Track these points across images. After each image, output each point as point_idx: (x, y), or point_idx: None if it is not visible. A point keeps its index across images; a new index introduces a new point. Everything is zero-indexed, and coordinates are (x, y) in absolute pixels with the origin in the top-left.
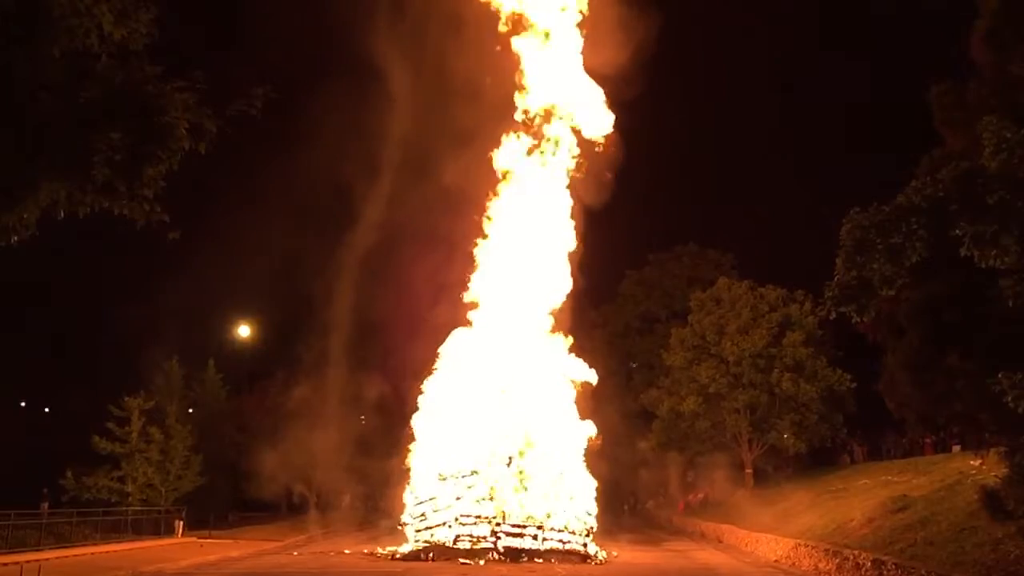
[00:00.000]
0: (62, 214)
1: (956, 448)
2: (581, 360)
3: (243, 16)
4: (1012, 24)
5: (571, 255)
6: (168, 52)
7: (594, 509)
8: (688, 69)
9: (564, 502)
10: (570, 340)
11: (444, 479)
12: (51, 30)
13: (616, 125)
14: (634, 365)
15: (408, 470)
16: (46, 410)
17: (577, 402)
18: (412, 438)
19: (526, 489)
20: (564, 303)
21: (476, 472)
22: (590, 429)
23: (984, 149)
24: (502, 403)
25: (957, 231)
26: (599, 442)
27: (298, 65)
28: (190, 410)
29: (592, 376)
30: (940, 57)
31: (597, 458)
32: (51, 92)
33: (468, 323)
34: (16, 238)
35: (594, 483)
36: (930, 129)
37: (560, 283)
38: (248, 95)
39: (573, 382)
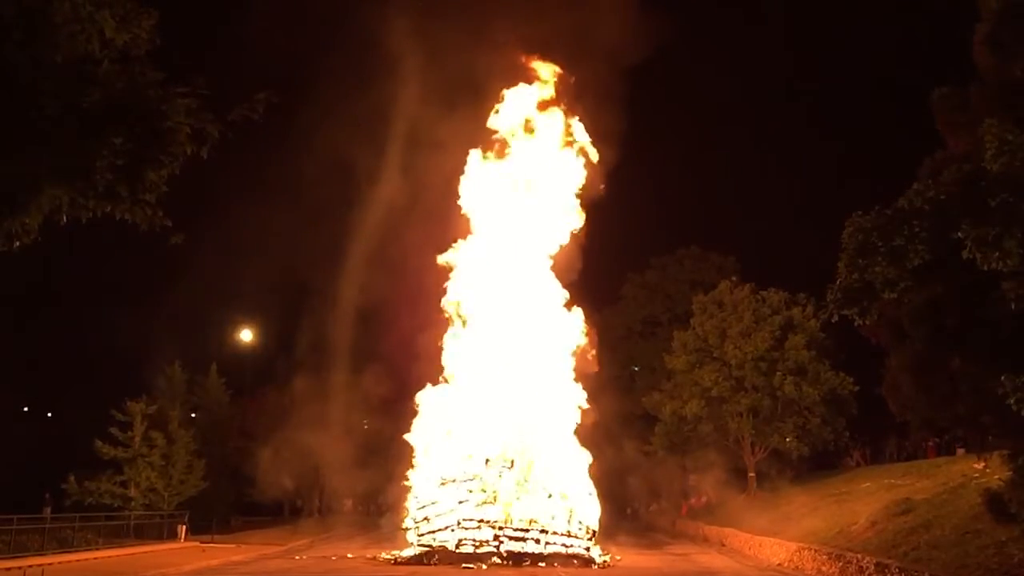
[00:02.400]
0: (65, 219)
1: (960, 451)
2: (581, 311)
3: (243, 19)
4: (1013, 27)
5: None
6: (170, 57)
7: (597, 512)
8: (691, 71)
9: (567, 505)
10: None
11: (445, 483)
12: (53, 36)
13: (619, 127)
14: (636, 368)
15: (412, 474)
16: (48, 415)
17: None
18: (414, 441)
19: (529, 492)
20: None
21: (478, 476)
22: (579, 395)
23: (986, 152)
24: (504, 405)
25: (959, 234)
26: (593, 410)
27: (297, 68)
28: (193, 414)
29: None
30: (942, 60)
31: (599, 461)
32: (53, 98)
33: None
34: (19, 243)
35: (596, 487)
36: (932, 132)
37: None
38: (250, 100)
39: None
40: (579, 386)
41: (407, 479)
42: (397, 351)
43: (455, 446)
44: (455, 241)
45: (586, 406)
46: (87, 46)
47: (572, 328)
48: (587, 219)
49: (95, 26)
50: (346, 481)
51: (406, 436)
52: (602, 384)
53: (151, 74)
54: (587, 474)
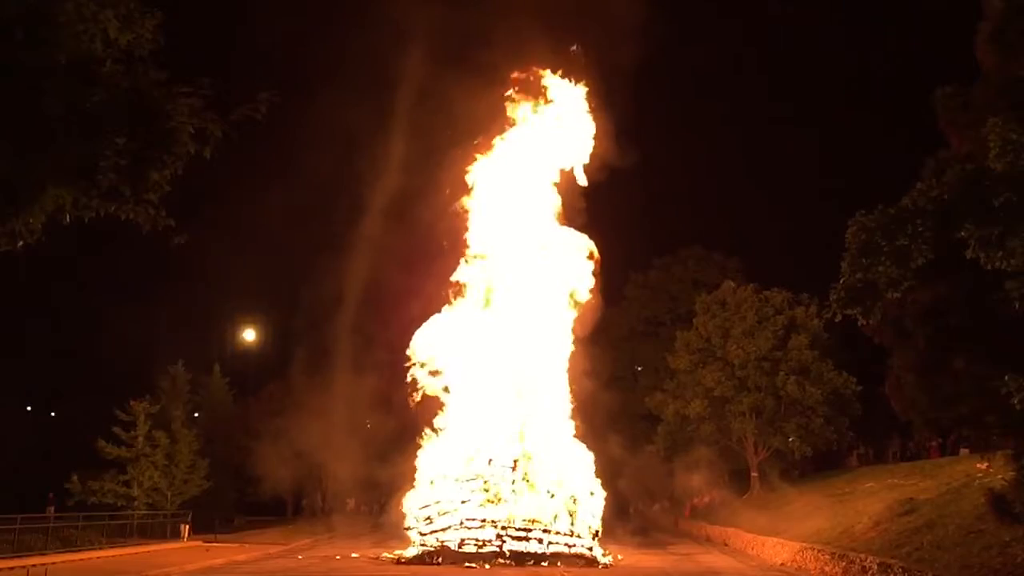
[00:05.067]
0: (68, 219)
1: (964, 451)
2: (585, 236)
3: (246, 19)
4: (1017, 26)
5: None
6: (173, 57)
7: (600, 512)
8: (693, 72)
9: (570, 505)
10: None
11: (448, 483)
12: (57, 36)
13: (621, 129)
14: (639, 369)
15: (414, 473)
16: (52, 415)
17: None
18: (418, 440)
19: (532, 491)
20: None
21: (481, 475)
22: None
23: (990, 151)
24: (507, 405)
25: (963, 233)
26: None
27: (299, 67)
28: (196, 414)
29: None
30: (945, 59)
31: (602, 461)
32: (56, 97)
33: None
34: (22, 243)
35: (599, 486)
36: (935, 131)
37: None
38: (253, 100)
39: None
40: (582, 381)
41: (410, 479)
42: (401, 349)
43: (458, 445)
44: (460, 226)
45: (589, 404)
46: (90, 46)
47: (574, 318)
48: (589, 221)
49: (98, 26)
50: (349, 480)
51: (410, 435)
52: (605, 384)
53: (154, 74)
54: (590, 473)
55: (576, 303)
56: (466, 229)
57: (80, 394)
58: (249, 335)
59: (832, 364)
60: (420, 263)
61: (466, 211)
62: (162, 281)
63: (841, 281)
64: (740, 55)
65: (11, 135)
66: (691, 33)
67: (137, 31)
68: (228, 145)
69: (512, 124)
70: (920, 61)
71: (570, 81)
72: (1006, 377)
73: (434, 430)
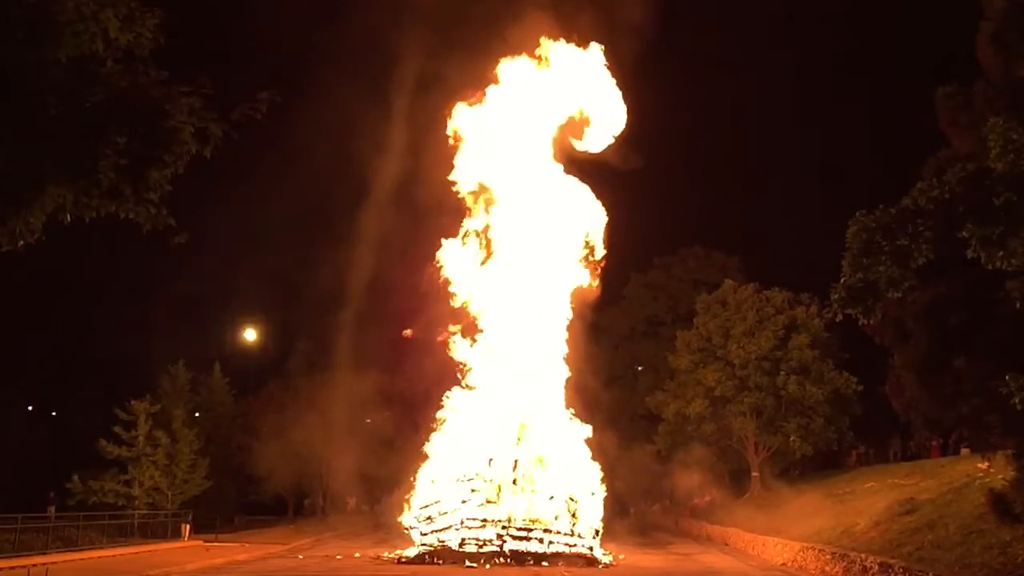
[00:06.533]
0: (68, 218)
1: (965, 451)
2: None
3: (246, 18)
4: (1017, 26)
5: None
6: (174, 56)
7: (600, 512)
8: (693, 71)
9: (570, 505)
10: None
11: (448, 482)
12: (57, 35)
13: (620, 127)
14: (639, 368)
15: (415, 473)
16: (53, 414)
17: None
18: (419, 440)
19: (532, 491)
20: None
21: (481, 475)
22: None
23: (990, 151)
24: (508, 405)
25: (964, 233)
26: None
27: (298, 62)
28: (196, 413)
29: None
30: (946, 59)
31: (602, 461)
32: (57, 97)
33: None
34: (22, 242)
35: (600, 486)
36: (936, 131)
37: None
38: (253, 99)
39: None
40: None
41: (411, 478)
42: (401, 347)
43: (460, 445)
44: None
45: (590, 403)
46: (91, 45)
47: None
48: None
49: (99, 25)
50: (349, 479)
51: (411, 435)
52: (605, 383)
53: (154, 73)
54: (590, 473)
55: (587, 262)
56: (463, 204)
57: (80, 394)
58: (249, 334)
59: (832, 364)
60: (420, 254)
61: (455, 158)
62: (162, 281)
63: (842, 281)
64: (740, 55)
65: (11, 135)
66: (689, 32)
67: (137, 30)
68: (228, 142)
69: (511, 86)
70: (920, 61)
71: (579, 47)
72: (1006, 377)
73: (466, 382)
